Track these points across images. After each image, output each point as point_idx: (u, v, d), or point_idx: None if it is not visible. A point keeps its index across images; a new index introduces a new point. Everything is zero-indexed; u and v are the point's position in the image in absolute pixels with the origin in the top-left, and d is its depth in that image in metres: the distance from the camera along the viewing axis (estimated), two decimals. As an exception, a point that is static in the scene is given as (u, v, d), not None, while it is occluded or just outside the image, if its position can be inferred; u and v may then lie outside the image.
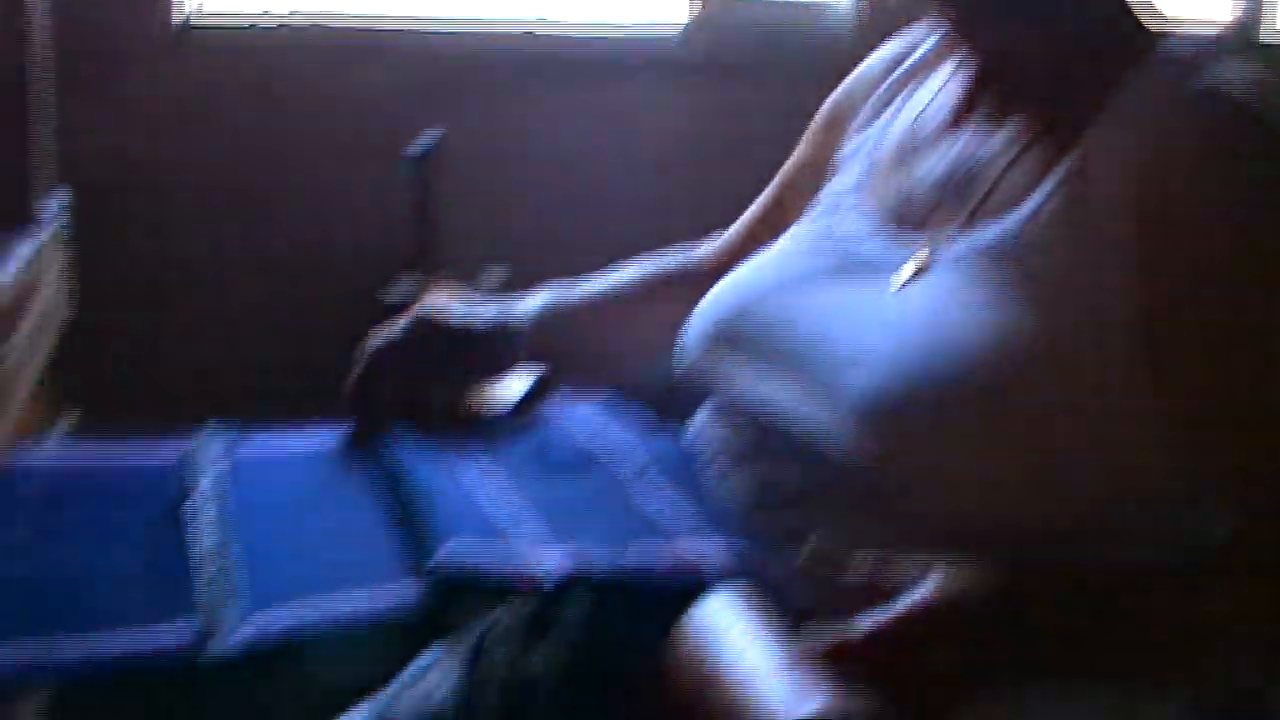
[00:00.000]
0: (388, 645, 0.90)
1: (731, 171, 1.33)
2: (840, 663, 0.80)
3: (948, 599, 0.84)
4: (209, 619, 0.81)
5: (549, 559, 0.86)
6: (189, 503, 0.97)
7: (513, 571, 0.85)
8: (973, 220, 0.99)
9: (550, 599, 1.01)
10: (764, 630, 0.78)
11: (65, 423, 1.50)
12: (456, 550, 0.85)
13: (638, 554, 0.88)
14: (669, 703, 0.80)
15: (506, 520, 0.92)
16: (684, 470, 1.03)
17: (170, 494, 0.99)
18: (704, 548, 0.89)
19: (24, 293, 1.18)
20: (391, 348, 1.13)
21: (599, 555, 0.87)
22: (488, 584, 0.84)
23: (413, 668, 1.17)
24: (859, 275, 1.04)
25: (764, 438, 1.02)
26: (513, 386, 1.20)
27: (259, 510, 0.97)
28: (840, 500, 0.95)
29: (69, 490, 1.02)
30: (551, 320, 1.23)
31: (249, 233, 2.03)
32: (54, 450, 1.12)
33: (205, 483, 1.00)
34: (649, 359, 1.30)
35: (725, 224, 1.29)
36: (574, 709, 1.03)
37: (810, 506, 0.97)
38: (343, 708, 1.17)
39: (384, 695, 1.17)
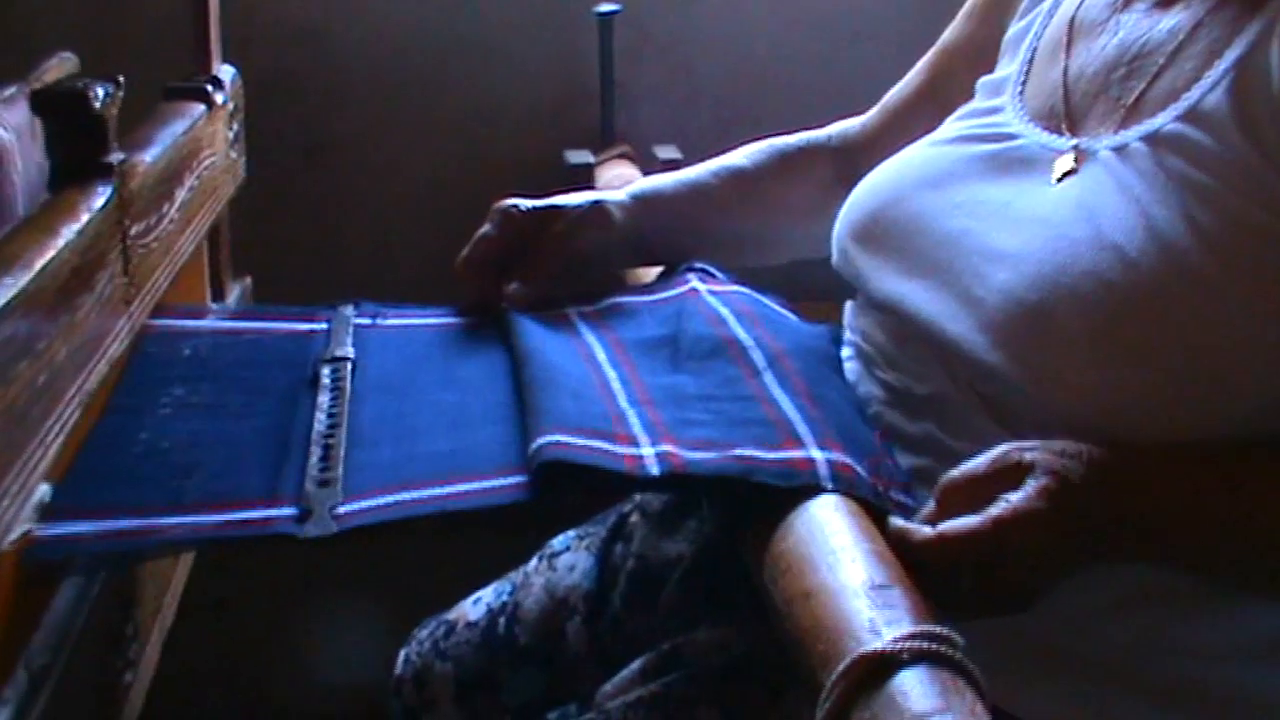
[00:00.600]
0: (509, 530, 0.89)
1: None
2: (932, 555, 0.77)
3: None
4: (311, 501, 0.82)
5: (652, 458, 0.83)
6: (321, 375, 0.98)
7: (614, 467, 0.81)
8: (1135, 111, 0.92)
9: (678, 497, 1.00)
10: (867, 541, 0.74)
11: (238, 288, 1.52)
12: (556, 445, 0.83)
13: (747, 453, 0.84)
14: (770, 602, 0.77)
15: (620, 410, 0.90)
16: (818, 366, 0.99)
17: (309, 364, 1.01)
18: (821, 450, 0.84)
19: (185, 159, 1.19)
20: (488, 244, 1.13)
21: (707, 453, 0.84)
22: (589, 481, 0.81)
23: (545, 550, 1.18)
24: (1012, 171, 0.97)
25: (903, 338, 0.98)
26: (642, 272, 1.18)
27: (381, 389, 0.98)
28: (979, 412, 0.90)
29: (221, 355, 1.06)
30: (647, 204, 1.20)
31: (420, 101, 2.01)
32: (215, 314, 1.14)
33: (341, 354, 1.01)
34: (777, 241, 1.26)
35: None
36: (701, 598, 1.03)
37: (946, 415, 0.92)
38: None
39: (516, 575, 1.19)
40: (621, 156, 1.83)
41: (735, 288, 1.12)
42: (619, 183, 1.66)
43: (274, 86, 1.90)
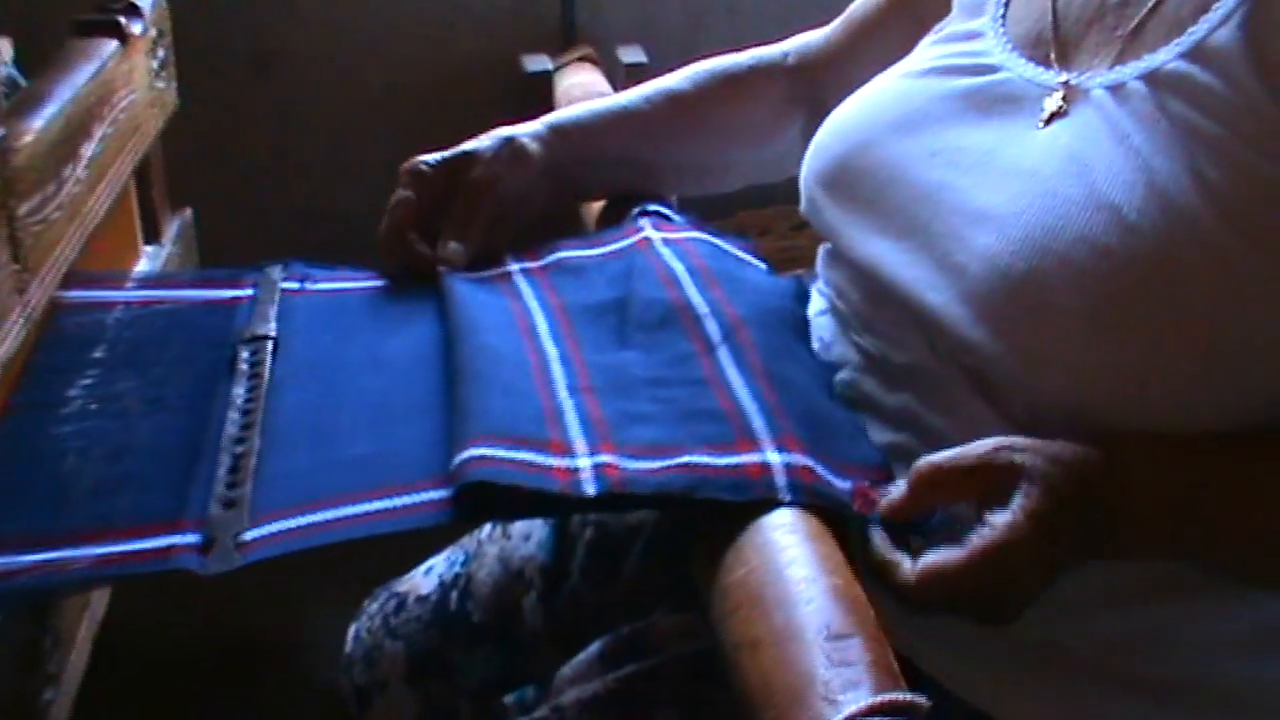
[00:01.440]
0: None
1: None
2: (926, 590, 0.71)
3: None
4: (214, 527, 0.74)
5: (589, 472, 0.74)
6: (239, 359, 0.90)
7: (545, 486, 0.73)
8: (1134, 43, 0.81)
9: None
10: (826, 575, 0.66)
11: (176, 224, 1.42)
12: (481, 461, 0.73)
13: (695, 459, 0.75)
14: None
15: (557, 404, 0.81)
16: (779, 335, 0.89)
17: (229, 343, 0.93)
18: (779, 451, 0.75)
19: (93, 108, 1.09)
20: (405, 208, 1.04)
21: (650, 461, 0.75)
22: (516, 500, 0.72)
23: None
24: (996, 111, 0.86)
25: (880, 301, 0.88)
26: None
27: (304, 374, 0.89)
28: (962, 386, 0.81)
29: (136, 333, 0.98)
30: (565, 136, 1.10)
31: (372, 3, 1.88)
32: (133, 282, 1.05)
33: (262, 331, 0.93)
34: (723, 168, 1.16)
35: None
36: (663, 573, 0.96)
37: (926, 387, 0.83)
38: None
39: (470, 541, 1.12)
40: (583, 60, 1.71)
41: (692, 234, 1.03)
42: (578, 91, 1.57)
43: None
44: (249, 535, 0.73)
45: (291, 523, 0.74)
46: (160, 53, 1.35)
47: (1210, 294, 0.72)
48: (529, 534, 1.07)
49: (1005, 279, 0.77)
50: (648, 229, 1.03)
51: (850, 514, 0.74)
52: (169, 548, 0.73)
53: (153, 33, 1.32)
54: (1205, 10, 0.77)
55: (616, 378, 0.84)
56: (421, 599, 1.09)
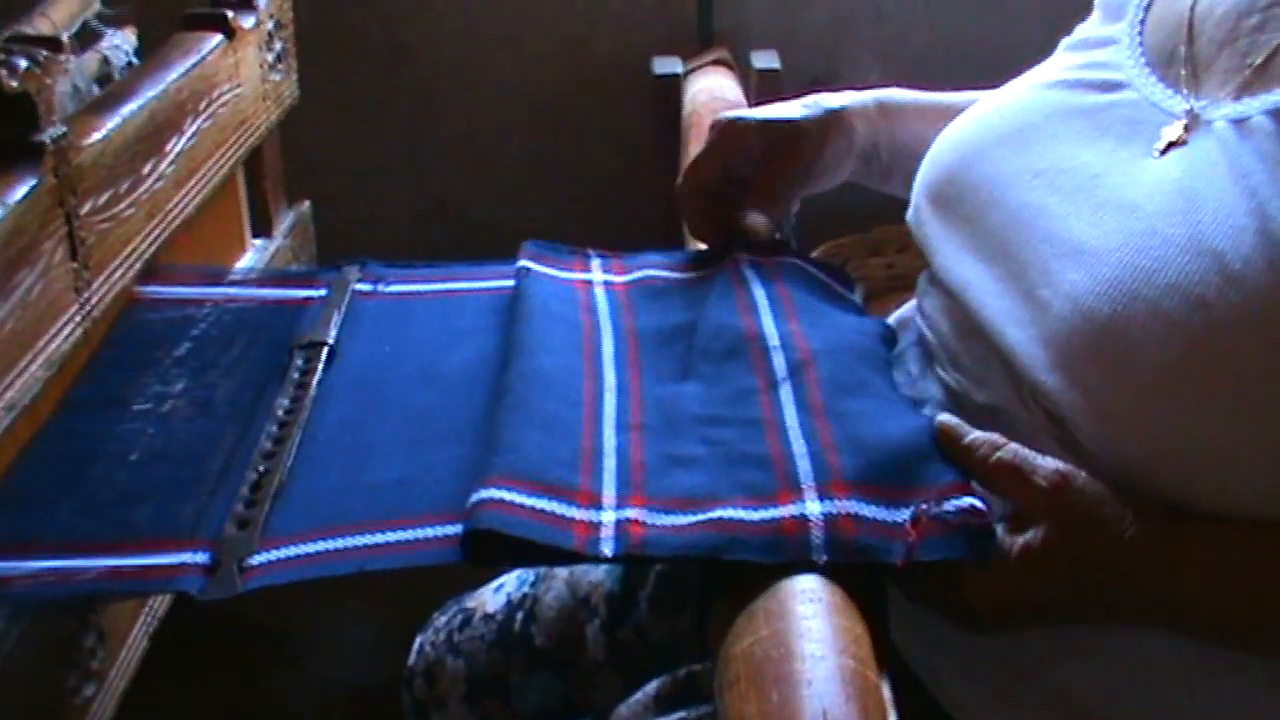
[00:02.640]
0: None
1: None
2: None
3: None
4: (224, 548, 0.71)
5: (610, 529, 0.69)
6: (291, 366, 0.87)
7: (560, 542, 0.67)
8: (1264, 74, 0.72)
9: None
10: (836, 654, 0.59)
11: (291, 216, 1.41)
12: (497, 505, 0.68)
13: (729, 514, 0.69)
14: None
15: (598, 444, 0.75)
16: (852, 369, 0.81)
17: (285, 348, 0.90)
18: (821, 500, 0.69)
19: (184, 102, 1.07)
20: (708, 166, 0.97)
21: (679, 516, 0.70)
22: (528, 550, 0.67)
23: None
24: (1111, 133, 0.78)
25: (966, 331, 0.81)
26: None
27: (354, 384, 0.86)
28: (1045, 433, 0.74)
29: (204, 331, 0.96)
30: (890, 116, 1.01)
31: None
32: (209, 278, 1.03)
33: (318, 337, 0.90)
34: None
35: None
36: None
37: (1006, 431, 0.75)
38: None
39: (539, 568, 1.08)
40: (717, 63, 1.65)
41: (787, 258, 0.96)
42: (705, 95, 1.51)
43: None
44: (255, 559, 0.70)
45: (302, 549, 0.70)
46: (277, 44, 1.34)
47: None
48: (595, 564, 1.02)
49: (1088, 322, 0.70)
50: (740, 253, 0.96)
51: (891, 568, 0.67)
52: (177, 566, 0.71)
53: (268, 25, 1.30)
54: None
55: (670, 415, 0.79)
56: (488, 617, 1.05)
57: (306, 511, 0.73)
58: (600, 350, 0.87)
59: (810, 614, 0.61)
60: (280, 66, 1.35)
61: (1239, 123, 0.71)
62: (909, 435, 0.75)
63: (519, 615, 1.03)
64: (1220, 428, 0.65)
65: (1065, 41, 0.91)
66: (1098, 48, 0.85)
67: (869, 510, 0.69)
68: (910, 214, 0.91)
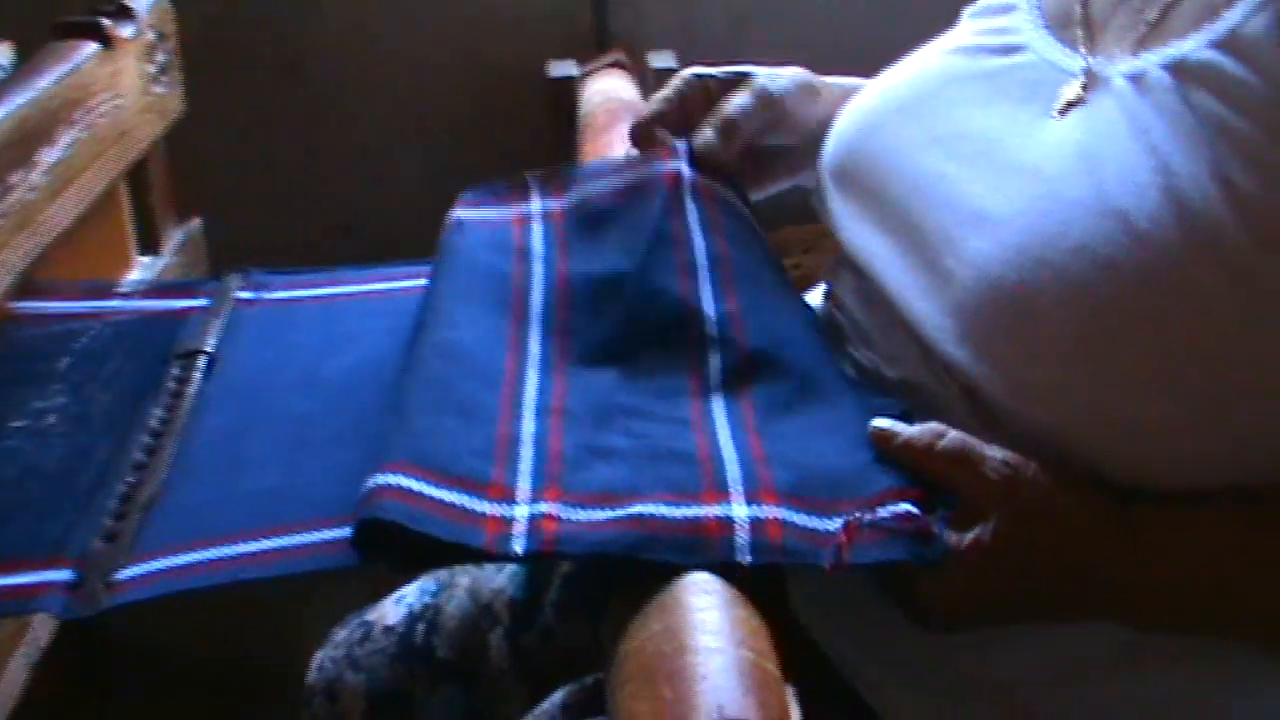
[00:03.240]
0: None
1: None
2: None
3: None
4: (89, 564, 0.67)
5: (522, 525, 0.64)
6: (166, 376, 0.83)
7: (467, 539, 0.63)
8: (1160, 30, 0.70)
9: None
10: (734, 645, 0.56)
11: (179, 234, 1.36)
12: (394, 493, 0.63)
13: (649, 510, 0.64)
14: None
15: (515, 430, 0.71)
16: (794, 370, 0.77)
17: (162, 360, 0.85)
18: (749, 504, 0.65)
19: (56, 112, 1.02)
20: (663, 111, 0.93)
21: (596, 511, 0.65)
22: (430, 549, 0.62)
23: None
24: (1009, 96, 0.76)
25: (875, 306, 0.78)
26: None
27: (233, 393, 0.81)
28: (960, 407, 0.71)
29: (80, 346, 0.91)
30: (808, 93, 0.96)
31: (384, 7, 1.79)
32: (87, 293, 0.98)
33: (195, 346, 0.85)
34: None
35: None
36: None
37: (920, 408, 0.73)
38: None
39: (439, 573, 1.04)
40: (613, 66, 1.62)
41: (725, 197, 0.89)
42: (600, 97, 1.48)
43: (241, 2, 1.72)
44: (123, 574, 0.65)
45: (172, 561, 0.66)
46: (161, 56, 1.29)
47: (1228, 322, 0.61)
48: (502, 564, 0.98)
49: (994, 290, 0.67)
50: (682, 161, 0.89)
51: (821, 570, 0.63)
52: (38, 586, 0.66)
53: (150, 35, 1.25)
54: None
55: (592, 401, 0.74)
56: (388, 630, 1.00)
57: (180, 523, 0.69)
58: (529, 306, 0.82)
59: (705, 606, 0.58)
60: (164, 79, 1.30)
61: (1136, 79, 0.69)
62: (844, 450, 0.71)
63: (420, 626, 0.99)
64: (1132, 390, 0.63)
65: (968, 10, 0.89)
66: (998, 14, 0.83)
67: (799, 518, 0.65)
68: (816, 196, 0.89)
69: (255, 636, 1.45)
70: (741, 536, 0.63)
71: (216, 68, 1.56)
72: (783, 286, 0.85)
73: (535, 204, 0.93)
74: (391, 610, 1.02)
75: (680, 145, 0.91)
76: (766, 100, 0.92)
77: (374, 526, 0.62)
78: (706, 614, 0.57)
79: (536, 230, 0.90)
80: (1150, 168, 0.64)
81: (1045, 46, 0.77)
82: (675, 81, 0.94)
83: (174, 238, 1.35)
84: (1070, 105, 0.72)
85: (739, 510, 0.64)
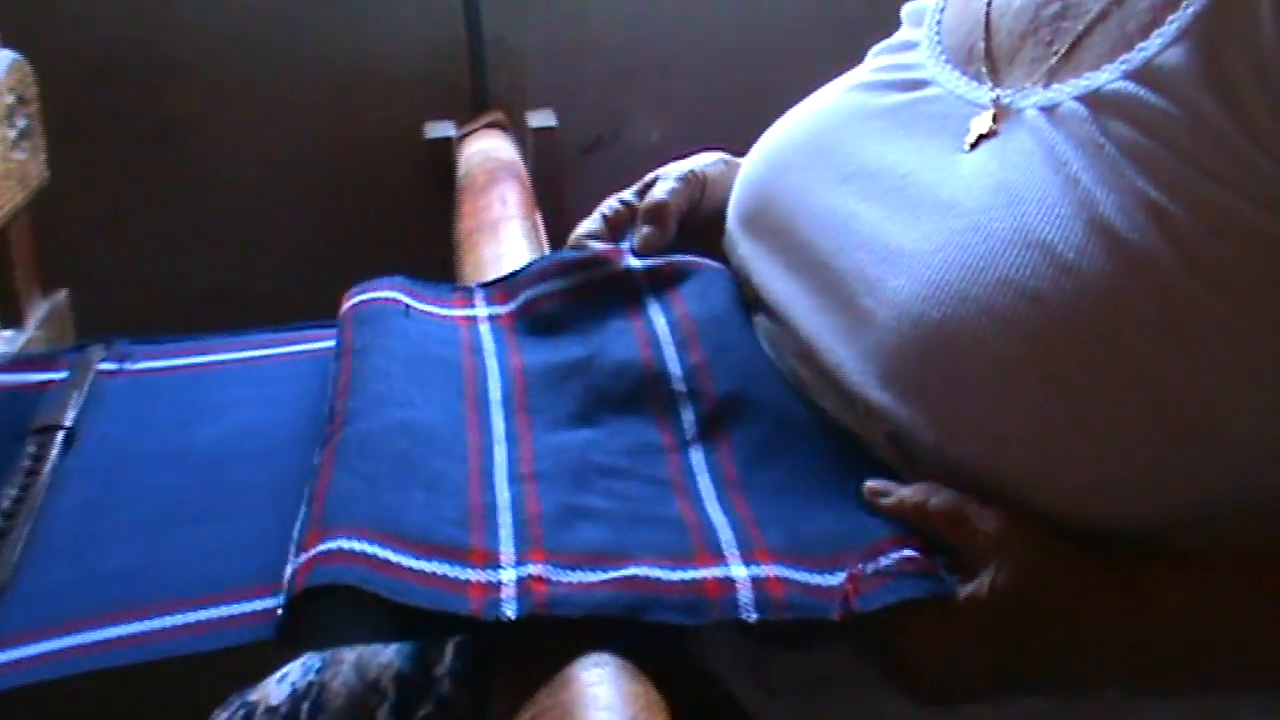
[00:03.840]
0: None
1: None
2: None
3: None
4: None
5: (510, 589, 0.61)
6: (21, 454, 0.78)
7: (454, 607, 0.59)
8: (1070, 62, 0.69)
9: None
10: (628, 712, 0.53)
11: (46, 306, 1.30)
12: (363, 562, 0.59)
13: (643, 572, 0.62)
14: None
15: (489, 499, 0.67)
16: (766, 416, 0.75)
17: (18, 436, 0.80)
18: (747, 565, 0.64)
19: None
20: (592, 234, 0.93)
21: (588, 573, 0.62)
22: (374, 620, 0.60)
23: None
24: (918, 131, 0.74)
25: (794, 353, 0.77)
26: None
27: (90, 471, 0.76)
28: (888, 454, 0.70)
29: None
30: (730, 165, 0.96)
31: (277, 71, 1.74)
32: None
33: (53, 421, 0.80)
34: None
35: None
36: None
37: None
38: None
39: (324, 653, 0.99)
40: (492, 126, 1.59)
41: (680, 265, 0.88)
42: (479, 158, 1.45)
43: (112, 64, 1.67)
44: None
45: (25, 651, 0.61)
46: (21, 121, 1.24)
47: (1165, 353, 0.60)
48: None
49: (917, 329, 0.65)
50: (630, 258, 0.89)
51: (831, 621, 0.61)
52: None
53: (7, 98, 1.20)
54: (1157, 25, 0.66)
55: (565, 462, 0.71)
56: (271, 709, 0.95)
57: (33, 609, 0.64)
58: (486, 395, 0.78)
59: (597, 680, 0.54)
60: (25, 144, 1.24)
61: (1049, 110, 0.68)
62: (833, 503, 0.69)
63: (305, 706, 0.94)
64: (1062, 424, 0.61)
65: (873, 50, 0.88)
66: (899, 51, 0.83)
67: (799, 575, 0.63)
68: (725, 239, 0.87)
69: None
70: (744, 594, 0.61)
71: (83, 132, 1.51)
72: (749, 331, 0.83)
73: (481, 309, 0.90)
74: (274, 690, 0.97)
75: (625, 245, 0.91)
76: (688, 177, 0.93)
77: (320, 594, 0.58)
78: (599, 689, 0.54)
79: (485, 330, 0.87)
80: (1073, 200, 0.63)
81: (950, 80, 0.77)
82: (600, 208, 0.95)
83: (38, 310, 1.29)
84: (982, 138, 0.71)
85: (738, 570, 0.62)
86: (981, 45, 0.77)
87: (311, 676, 0.96)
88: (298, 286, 1.76)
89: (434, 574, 0.60)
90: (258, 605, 0.62)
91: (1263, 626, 0.62)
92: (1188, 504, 0.62)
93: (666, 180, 0.93)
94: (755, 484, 0.70)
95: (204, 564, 0.66)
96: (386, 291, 0.88)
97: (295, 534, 0.64)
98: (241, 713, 0.97)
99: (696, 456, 0.73)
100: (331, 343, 0.86)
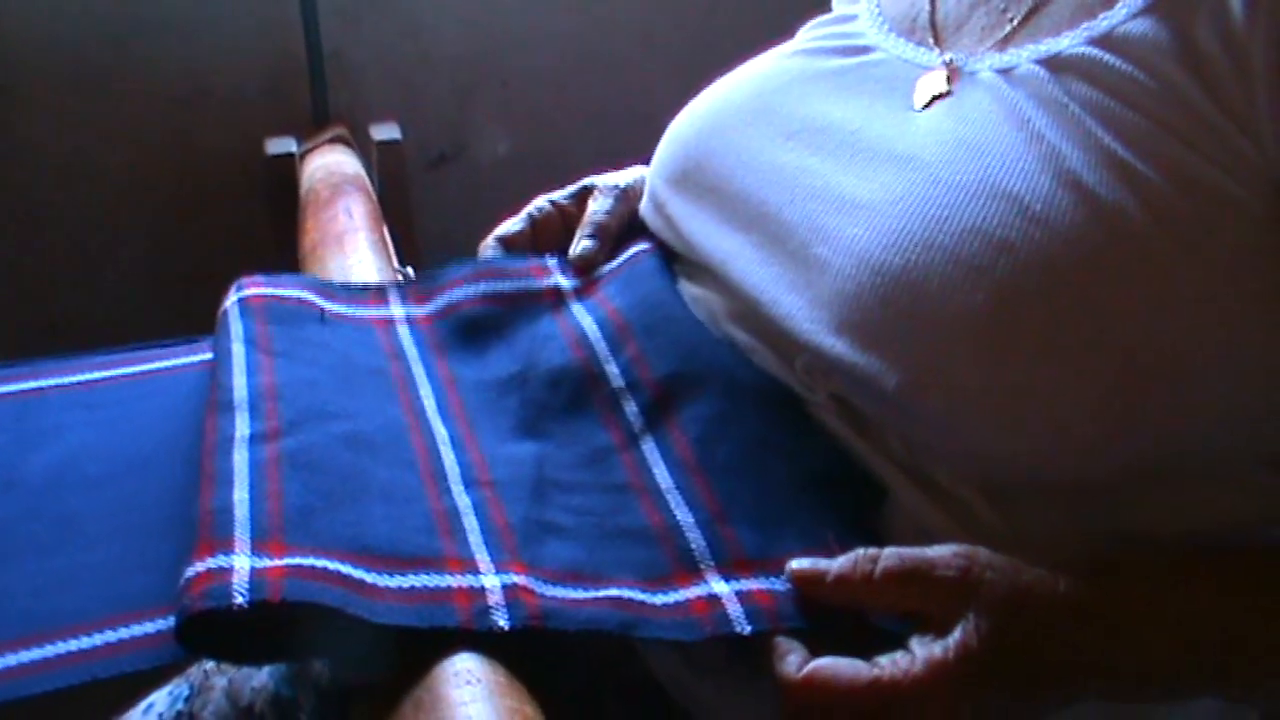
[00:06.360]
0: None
1: None
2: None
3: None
4: None
5: (498, 595, 0.58)
6: None
7: (444, 620, 0.56)
8: (1028, 28, 0.70)
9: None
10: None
11: None
12: (317, 573, 0.57)
13: (626, 594, 0.60)
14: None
15: (450, 504, 0.65)
16: (712, 386, 0.74)
17: None
18: (727, 580, 0.62)
19: None
20: (517, 233, 0.91)
21: (572, 590, 0.60)
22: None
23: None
24: (865, 92, 0.74)
25: (733, 313, 0.76)
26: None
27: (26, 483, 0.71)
28: (831, 417, 0.69)
29: None
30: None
31: (110, 90, 1.67)
32: None
33: None
34: None
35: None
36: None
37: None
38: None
39: (196, 671, 0.93)
40: (335, 140, 1.55)
41: (607, 273, 0.87)
42: (322, 173, 1.41)
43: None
44: None
45: None
46: None
47: (1133, 302, 0.60)
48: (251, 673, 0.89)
49: (878, 276, 0.64)
50: (557, 275, 0.88)
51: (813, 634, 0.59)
52: None
53: None
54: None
55: (522, 474, 0.68)
56: (137, 745, 0.90)
57: None
58: (420, 403, 0.75)
59: (469, 698, 0.51)
60: None
61: (1005, 72, 0.69)
62: (790, 478, 0.68)
63: (174, 739, 0.89)
64: (1029, 370, 0.60)
65: (806, 25, 0.88)
66: (838, 24, 0.84)
67: (782, 586, 0.61)
68: (644, 204, 0.87)
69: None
70: (734, 609, 0.59)
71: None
72: (679, 305, 0.81)
73: (397, 308, 0.86)
74: (140, 720, 0.92)
75: (550, 260, 0.90)
76: (621, 195, 0.93)
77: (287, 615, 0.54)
78: (471, 708, 0.51)
79: (404, 332, 0.83)
80: (1037, 154, 0.63)
81: (895, 46, 0.78)
82: (528, 208, 0.94)
83: None
84: (936, 98, 0.72)
85: (719, 586, 0.61)
86: (926, 14, 0.78)
87: (180, 706, 0.91)
88: (142, 309, 1.70)
89: (413, 588, 0.58)
90: (148, 627, 0.59)
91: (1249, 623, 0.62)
92: (1151, 457, 0.62)
93: (606, 197, 0.93)
94: (712, 463, 0.69)
95: (33, 600, 0.62)
96: (296, 290, 0.85)
97: (222, 530, 0.59)
98: (103, 746, 0.92)
99: (648, 447, 0.71)
100: (172, 362, 0.82)
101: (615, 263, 0.88)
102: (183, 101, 1.68)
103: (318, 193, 1.31)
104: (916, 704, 0.57)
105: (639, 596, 0.60)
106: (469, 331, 0.84)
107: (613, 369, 0.77)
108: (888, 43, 0.78)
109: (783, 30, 0.89)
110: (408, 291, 0.88)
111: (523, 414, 0.75)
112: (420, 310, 0.86)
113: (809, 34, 0.86)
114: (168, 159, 1.69)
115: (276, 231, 1.45)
